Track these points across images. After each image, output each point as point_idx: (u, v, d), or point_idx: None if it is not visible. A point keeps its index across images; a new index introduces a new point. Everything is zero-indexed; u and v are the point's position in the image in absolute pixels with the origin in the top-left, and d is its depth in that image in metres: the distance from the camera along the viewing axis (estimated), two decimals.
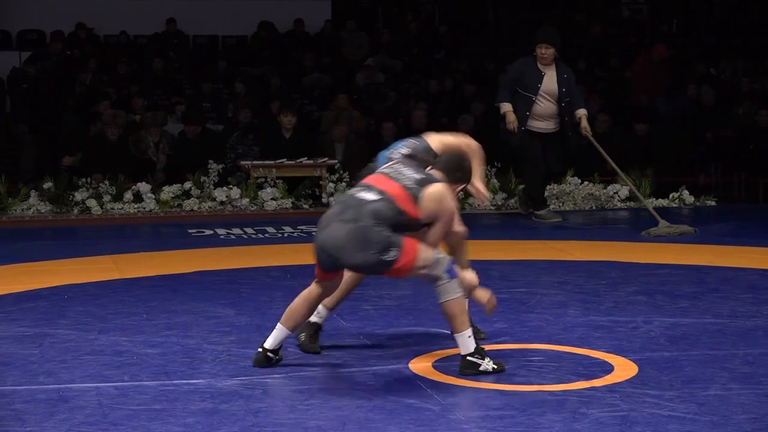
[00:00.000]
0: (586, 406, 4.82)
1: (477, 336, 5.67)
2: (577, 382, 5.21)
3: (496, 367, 5.29)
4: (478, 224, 11.26)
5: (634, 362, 5.55)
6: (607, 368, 5.46)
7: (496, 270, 8.39)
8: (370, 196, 5.27)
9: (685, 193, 13.05)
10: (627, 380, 5.24)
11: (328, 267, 5.35)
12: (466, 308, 5.31)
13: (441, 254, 5.31)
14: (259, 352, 5.54)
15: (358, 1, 19.75)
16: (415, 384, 5.20)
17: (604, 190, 12.66)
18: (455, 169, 5.55)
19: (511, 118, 10.85)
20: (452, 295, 5.23)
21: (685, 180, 13.42)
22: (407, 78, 17.23)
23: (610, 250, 9.43)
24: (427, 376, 5.34)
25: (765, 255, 9.11)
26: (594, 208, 12.62)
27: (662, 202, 12.90)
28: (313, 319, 5.81)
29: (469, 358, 5.26)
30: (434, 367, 5.52)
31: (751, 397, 4.93)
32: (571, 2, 19.50)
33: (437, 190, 5.33)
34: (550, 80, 10.88)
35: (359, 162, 11.53)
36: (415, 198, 5.27)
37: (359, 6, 19.66)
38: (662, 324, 6.39)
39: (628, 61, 17.12)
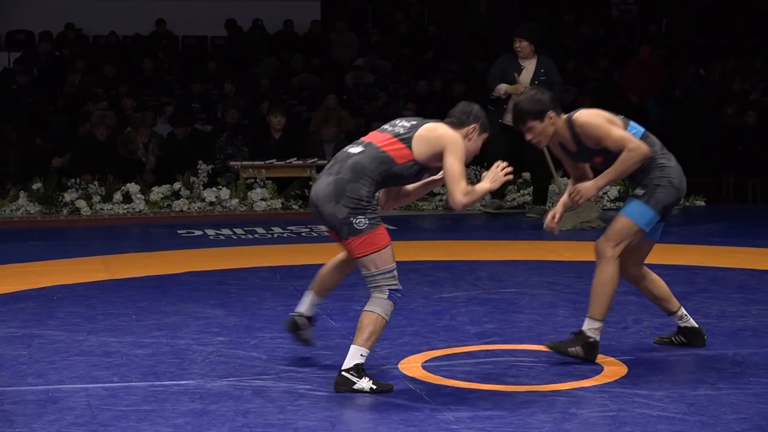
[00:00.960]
0: (575, 406, 4.83)
1: (699, 335, 5.80)
2: (567, 383, 5.21)
3: (375, 387, 5.04)
4: (467, 224, 11.27)
5: (624, 362, 5.56)
6: (597, 368, 5.46)
7: (485, 270, 8.40)
8: (355, 149, 5.26)
9: None
10: (616, 380, 5.25)
11: (320, 221, 5.27)
12: (380, 332, 5.11)
13: (396, 278, 5.10)
14: (290, 315, 5.62)
15: (348, 2, 19.74)
16: (404, 384, 5.19)
17: None
18: (462, 113, 5.41)
19: (503, 88, 10.80)
20: (378, 311, 5.08)
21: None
22: (396, 78, 17.23)
23: None
24: (417, 377, 5.34)
25: (754, 255, 9.13)
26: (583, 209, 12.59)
27: None
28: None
29: (344, 373, 5.08)
30: (423, 367, 5.52)
31: (740, 397, 4.94)
32: (560, 3, 19.51)
33: (432, 125, 5.27)
34: (527, 73, 10.85)
35: None
36: (407, 142, 5.20)
37: (349, 7, 19.65)
38: (652, 324, 6.40)
39: (617, 62, 17.13)
